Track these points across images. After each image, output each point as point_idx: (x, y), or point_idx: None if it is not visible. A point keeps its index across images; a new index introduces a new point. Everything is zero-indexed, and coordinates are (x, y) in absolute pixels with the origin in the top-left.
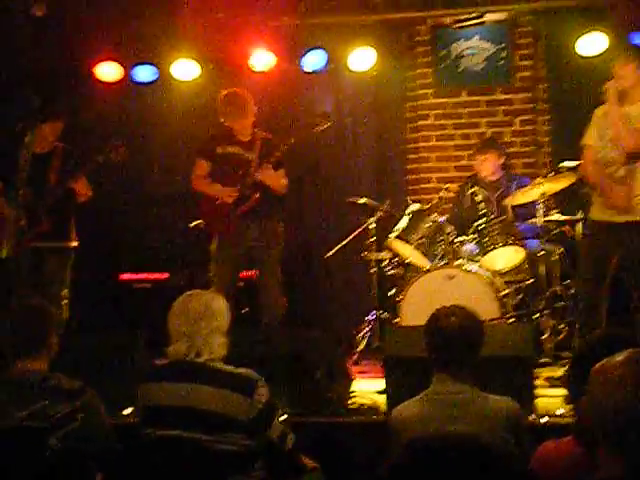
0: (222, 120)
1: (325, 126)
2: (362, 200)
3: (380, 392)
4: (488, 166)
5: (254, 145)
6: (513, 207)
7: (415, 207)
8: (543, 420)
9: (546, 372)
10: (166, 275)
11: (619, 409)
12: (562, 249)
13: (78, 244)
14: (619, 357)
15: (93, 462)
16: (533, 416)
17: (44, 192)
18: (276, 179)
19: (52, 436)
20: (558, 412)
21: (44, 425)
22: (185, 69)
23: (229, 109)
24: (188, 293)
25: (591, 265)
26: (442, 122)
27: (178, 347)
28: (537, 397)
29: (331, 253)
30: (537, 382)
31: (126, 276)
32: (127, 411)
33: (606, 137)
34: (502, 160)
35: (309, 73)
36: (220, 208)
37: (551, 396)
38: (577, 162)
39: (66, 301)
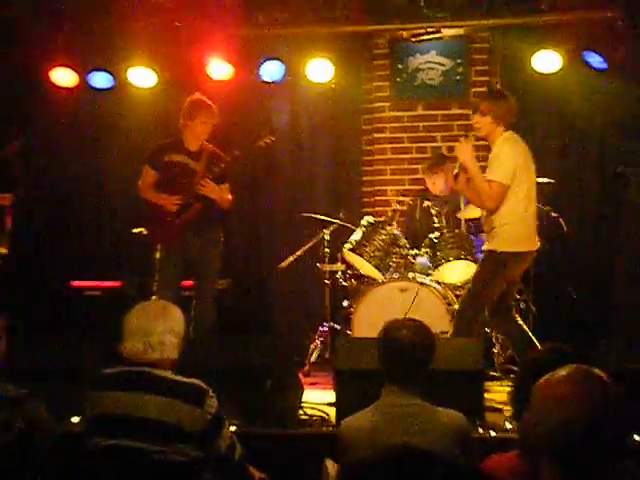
0: (181, 123)
1: (268, 140)
2: (317, 215)
3: (330, 404)
4: (439, 185)
5: (201, 156)
6: (466, 221)
7: (369, 219)
8: (492, 434)
9: (496, 386)
10: (118, 283)
11: (562, 425)
12: None
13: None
14: (561, 372)
15: (34, 471)
16: (482, 430)
17: None
18: (219, 193)
19: None
20: (507, 426)
21: None
22: (141, 76)
23: (194, 114)
24: (150, 299)
25: None
26: (398, 135)
27: (133, 344)
28: (486, 411)
29: (284, 264)
30: (487, 396)
31: (77, 283)
32: (75, 419)
33: None
34: (450, 178)
35: (267, 83)
36: (163, 217)
37: (500, 411)
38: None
39: None
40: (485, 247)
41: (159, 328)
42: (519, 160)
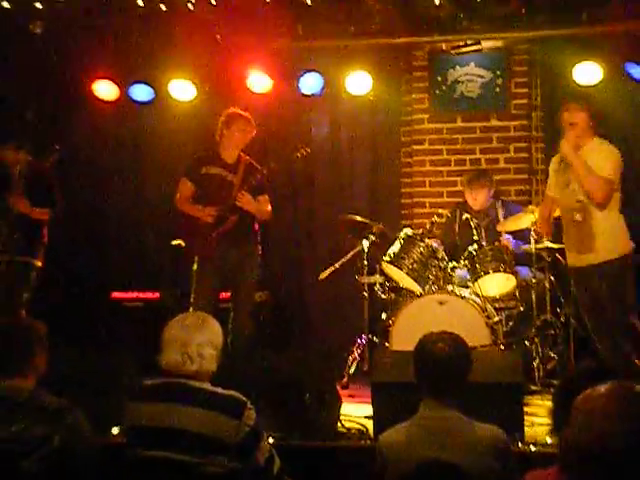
0: (218, 136)
1: (304, 152)
2: (356, 217)
3: (368, 417)
4: (479, 200)
5: (238, 168)
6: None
7: (408, 232)
8: (532, 449)
9: (536, 400)
10: (157, 294)
11: (602, 439)
12: (553, 277)
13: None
14: (602, 388)
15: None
16: (521, 444)
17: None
18: (255, 205)
19: (25, 459)
20: (547, 441)
21: (16, 448)
22: (182, 89)
23: (231, 123)
24: (188, 312)
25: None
26: (437, 147)
27: (171, 355)
28: (526, 425)
29: (324, 275)
30: (527, 410)
31: (117, 294)
32: (115, 431)
33: (570, 185)
34: (492, 191)
35: (306, 96)
36: (199, 229)
37: (540, 424)
38: None
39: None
40: (602, 259)
41: (198, 340)
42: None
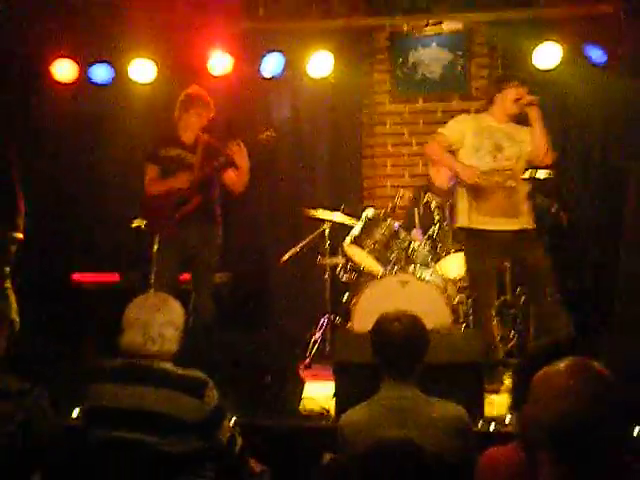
0: (176, 115)
1: (269, 135)
2: (318, 213)
3: (331, 397)
4: (442, 176)
5: (197, 148)
6: None
7: (370, 212)
8: (491, 427)
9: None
10: (117, 276)
11: (561, 417)
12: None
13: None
14: (560, 365)
15: (35, 463)
16: (482, 422)
17: None
18: (246, 160)
19: None
20: (507, 419)
21: None
22: (142, 70)
23: (189, 106)
24: (149, 292)
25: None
26: (398, 129)
27: (132, 336)
28: (486, 404)
29: (285, 257)
30: (486, 388)
31: (77, 276)
32: (75, 412)
33: (484, 148)
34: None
35: (268, 78)
36: (161, 210)
37: (499, 403)
38: (530, 171)
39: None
40: (523, 226)
41: (159, 320)
42: None
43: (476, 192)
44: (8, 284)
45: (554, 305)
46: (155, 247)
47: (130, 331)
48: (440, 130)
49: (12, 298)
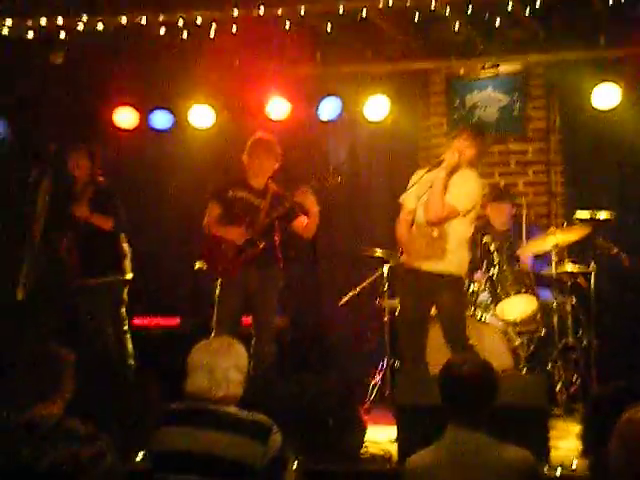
0: (245, 160)
1: (335, 181)
2: (377, 252)
3: (392, 441)
4: (502, 216)
5: (266, 194)
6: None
7: None
8: (557, 472)
9: (559, 424)
10: (177, 320)
11: None
12: (575, 300)
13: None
14: None
15: None
16: (547, 468)
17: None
18: (315, 204)
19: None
20: (573, 465)
21: (74, 467)
22: (201, 116)
23: (256, 152)
24: (212, 336)
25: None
26: None
27: (197, 380)
28: (551, 449)
29: (344, 300)
30: (551, 434)
31: (138, 321)
32: (139, 457)
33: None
34: (514, 211)
35: (325, 122)
36: (224, 252)
37: (565, 448)
38: (590, 214)
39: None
40: (442, 270)
41: (224, 364)
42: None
43: None
44: (126, 326)
45: None
46: (217, 290)
47: (195, 375)
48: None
49: (129, 344)
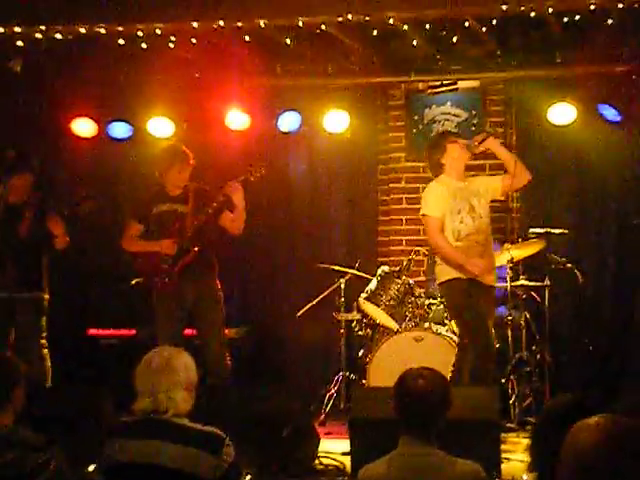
0: (158, 174)
1: (259, 174)
2: (334, 267)
3: (345, 453)
4: None
5: (187, 197)
6: None
7: (385, 269)
8: None
9: (512, 438)
10: (133, 331)
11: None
12: (528, 315)
13: (49, 297)
14: (592, 422)
15: None
16: None
17: (13, 243)
18: (242, 195)
19: None
20: (524, 478)
21: (19, 474)
22: (159, 126)
23: (169, 166)
24: (154, 350)
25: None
26: (414, 185)
27: (142, 403)
28: (503, 462)
29: (301, 312)
30: (503, 447)
31: (93, 331)
32: (91, 468)
33: (464, 210)
34: None
35: (285, 134)
36: (158, 265)
37: (517, 461)
38: (545, 229)
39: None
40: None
41: (164, 385)
42: None
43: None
44: (44, 340)
45: None
46: (155, 303)
47: (140, 397)
48: (427, 213)
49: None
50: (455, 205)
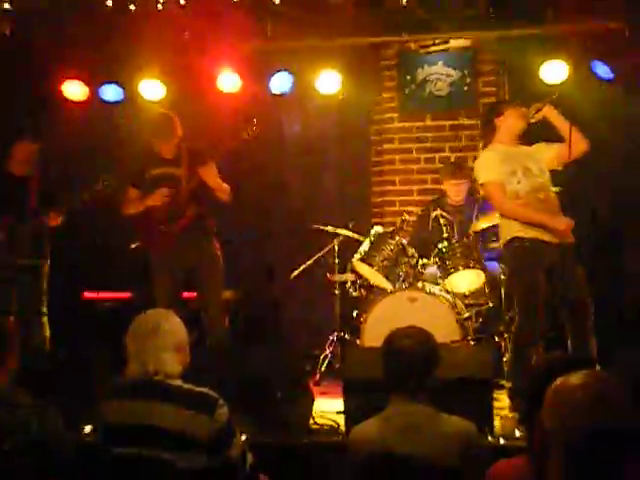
0: (152, 141)
1: (254, 132)
2: (327, 227)
3: (340, 412)
4: (459, 192)
5: (180, 160)
6: (475, 232)
7: (378, 230)
8: (501, 441)
9: (504, 395)
10: (128, 294)
11: (573, 432)
12: None
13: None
14: (576, 377)
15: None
16: (491, 438)
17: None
18: (215, 175)
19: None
20: (516, 434)
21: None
22: (151, 89)
23: (158, 130)
24: (144, 313)
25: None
26: (406, 146)
27: (132, 367)
28: (496, 419)
29: (295, 273)
30: (496, 404)
31: (89, 294)
32: (87, 429)
33: (519, 171)
34: (469, 185)
35: (276, 95)
36: (155, 226)
37: (510, 418)
38: None
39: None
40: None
41: (152, 349)
42: None
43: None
44: (45, 309)
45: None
46: (152, 264)
47: (130, 362)
48: (490, 180)
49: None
50: (509, 167)
